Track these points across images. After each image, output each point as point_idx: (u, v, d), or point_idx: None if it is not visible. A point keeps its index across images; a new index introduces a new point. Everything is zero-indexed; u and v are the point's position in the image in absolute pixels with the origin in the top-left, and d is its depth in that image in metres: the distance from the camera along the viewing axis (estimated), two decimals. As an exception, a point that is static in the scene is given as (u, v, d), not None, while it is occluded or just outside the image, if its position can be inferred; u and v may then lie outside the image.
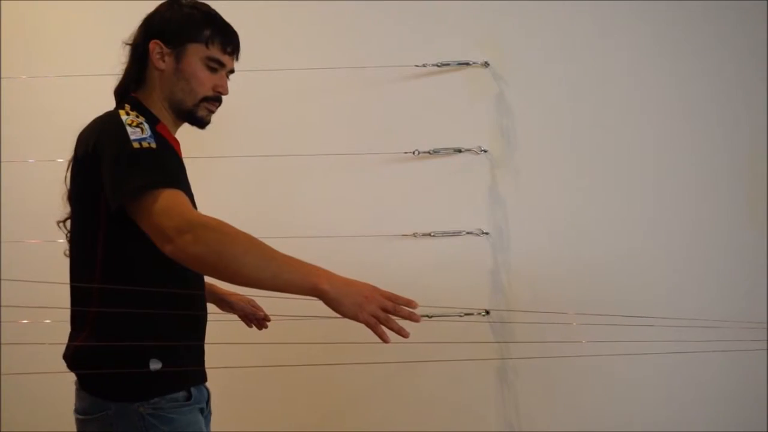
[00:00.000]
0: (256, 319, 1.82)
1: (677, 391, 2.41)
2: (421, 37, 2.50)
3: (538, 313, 2.15)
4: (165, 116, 1.54)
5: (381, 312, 1.27)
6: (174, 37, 1.51)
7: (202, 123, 1.58)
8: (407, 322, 1.30)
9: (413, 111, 2.50)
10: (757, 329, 2.10)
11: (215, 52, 1.53)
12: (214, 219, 1.30)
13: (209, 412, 1.61)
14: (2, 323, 2.12)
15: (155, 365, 1.41)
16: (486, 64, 2.47)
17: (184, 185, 1.40)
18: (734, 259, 2.42)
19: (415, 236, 2.45)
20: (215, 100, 1.57)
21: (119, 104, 1.53)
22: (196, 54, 1.51)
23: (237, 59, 1.61)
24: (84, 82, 2.37)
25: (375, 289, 1.29)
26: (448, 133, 2.47)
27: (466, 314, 2.36)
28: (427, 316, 2.34)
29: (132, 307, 1.38)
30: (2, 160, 2.49)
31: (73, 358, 1.44)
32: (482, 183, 2.48)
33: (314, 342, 2.19)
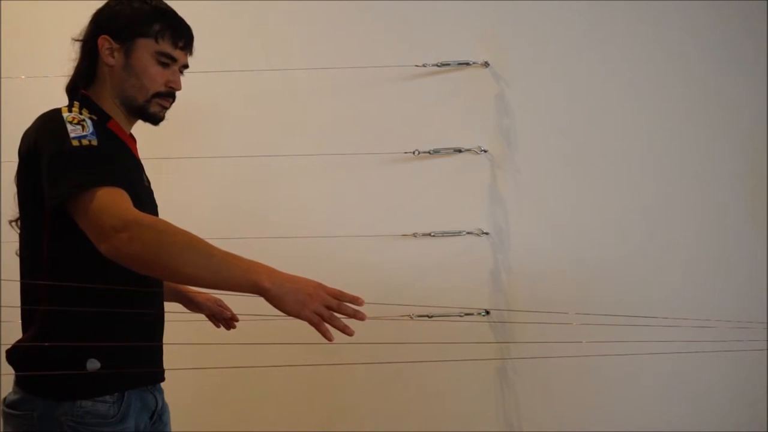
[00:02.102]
0: (223, 318, 1.79)
1: (677, 391, 2.41)
2: (421, 37, 2.50)
3: (538, 313, 2.15)
4: (117, 113, 1.51)
5: (325, 310, 1.24)
6: (123, 32, 1.48)
7: (155, 119, 1.55)
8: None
9: (413, 111, 2.50)
10: (757, 329, 2.10)
11: (165, 46, 1.50)
12: (152, 217, 1.29)
13: (162, 419, 1.57)
14: (2, 323, 2.11)
15: (93, 365, 1.37)
16: (486, 64, 2.47)
17: (128, 183, 1.36)
18: (734, 259, 2.42)
19: (415, 236, 2.44)
20: (168, 95, 1.53)
21: (70, 102, 1.50)
22: (145, 49, 1.49)
23: (191, 54, 1.57)
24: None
25: (320, 286, 1.26)
26: (448, 133, 2.47)
27: (466, 314, 2.36)
28: (427, 316, 2.34)
29: (79, 306, 1.36)
30: (2, 160, 2.49)
31: (11, 354, 1.42)
32: (482, 183, 2.48)
33: (314, 342, 2.19)
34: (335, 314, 1.25)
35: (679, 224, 2.44)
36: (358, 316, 1.27)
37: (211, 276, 1.24)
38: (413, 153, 2.45)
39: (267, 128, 2.51)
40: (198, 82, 2.43)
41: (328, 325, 1.25)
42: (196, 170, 2.47)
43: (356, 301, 1.27)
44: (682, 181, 2.45)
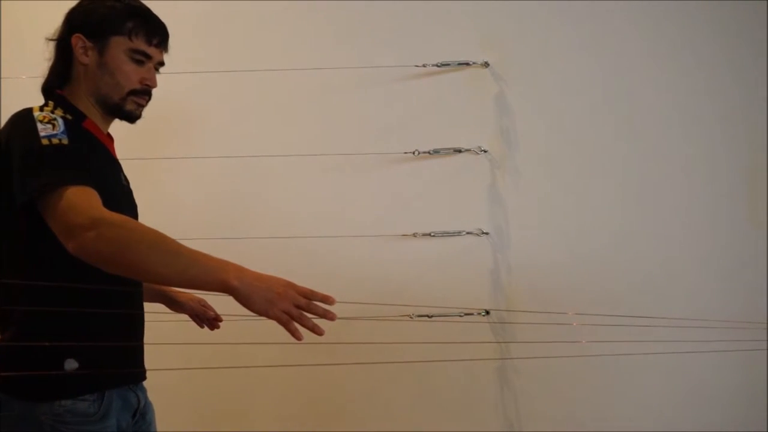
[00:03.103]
0: (207, 319, 1.78)
1: (677, 391, 2.41)
2: (421, 37, 2.50)
3: (538, 313, 2.15)
4: (93, 112, 1.50)
5: (294, 309, 1.23)
6: (96, 30, 1.47)
7: (131, 117, 1.53)
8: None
9: (413, 111, 2.50)
10: (757, 329, 2.10)
11: (140, 44, 1.49)
12: (120, 216, 1.28)
13: (145, 418, 1.56)
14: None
15: (71, 365, 1.36)
16: (486, 64, 2.47)
17: (101, 182, 1.35)
18: (734, 259, 2.42)
19: (415, 236, 2.44)
20: (144, 93, 1.52)
21: (45, 101, 1.49)
22: (119, 47, 1.48)
23: (166, 51, 1.56)
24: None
25: (290, 285, 1.25)
26: (448, 133, 2.47)
27: (466, 314, 2.36)
28: (427, 316, 2.34)
29: (55, 305, 1.35)
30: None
31: None
32: (482, 183, 2.48)
33: (314, 342, 2.19)
34: (305, 313, 1.24)
35: (680, 224, 2.44)
36: (329, 315, 1.25)
37: (179, 274, 1.24)
38: (413, 153, 2.45)
39: (267, 128, 2.51)
40: (199, 83, 2.45)
41: (298, 324, 1.24)
42: (198, 170, 2.47)
43: (327, 300, 1.25)
44: (682, 181, 2.45)
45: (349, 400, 2.46)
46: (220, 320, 1.78)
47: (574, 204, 2.46)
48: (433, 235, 2.44)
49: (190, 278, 1.24)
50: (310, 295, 1.25)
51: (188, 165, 2.44)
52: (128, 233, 1.25)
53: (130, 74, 1.49)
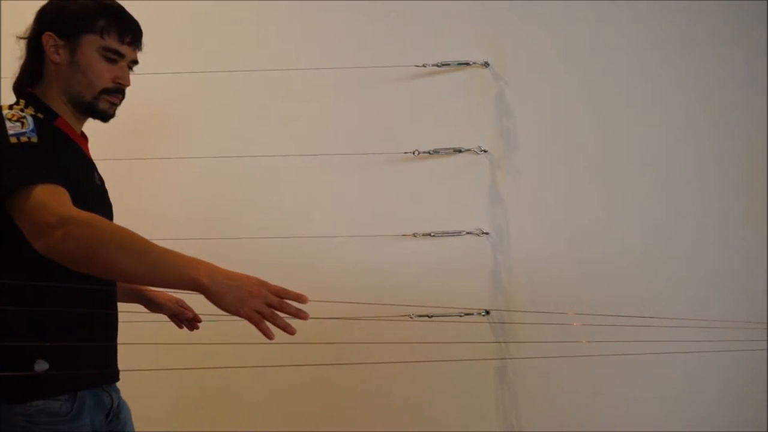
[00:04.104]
0: (185, 319, 1.76)
1: (677, 391, 2.41)
2: (421, 37, 2.50)
3: (538, 313, 2.15)
4: (65, 111, 1.48)
5: (265, 308, 1.22)
6: (67, 28, 1.46)
7: (104, 116, 1.51)
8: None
9: (413, 111, 2.50)
10: (757, 329, 2.10)
11: (112, 42, 1.47)
12: (88, 214, 1.26)
13: (119, 418, 1.54)
14: None
15: (41, 366, 1.34)
16: (486, 64, 2.47)
17: (72, 181, 1.34)
18: (734, 259, 2.42)
19: (415, 236, 2.44)
20: (116, 92, 1.50)
21: (17, 100, 1.48)
22: (91, 45, 1.46)
23: (140, 49, 1.55)
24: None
25: (262, 283, 1.24)
26: (448, 133, 2.47)
27: (466, 314, 2.36)
28: (427, 316, 2.34)
29: (26, 305, 1.33)
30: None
31: None
32: (482, 183, 2.47)
33: (314, 342, 2.19)
34: (277, 312, 1.23)
35: (679, 224, 2.44)
36: (301, 315, 1.24)
37: (148, 273, 1.23)
38: (413, 153, 2.45)
39: (267, 128, 2.51)
40: (200, 83, 2.45)
41: (270, 323, 1.23)
42: (198, 170, 2.47)
43: (299, 298, 1.24)
44: (682, 181, 2.45)
45: (349, 400, 2.46)
46: (199, 320, 1.76)
47: (575, 204, 2.46)
48: (433, 235, 2.44)
49: (159, 276, 1.23)
50: (282, 294, 1.24)
51: (188, 165, 2.44)
52: (96, 232, 1.23)
53: (103, 73, 1.48)
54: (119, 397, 1.56)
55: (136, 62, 1.55)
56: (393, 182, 2.48)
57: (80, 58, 1.46)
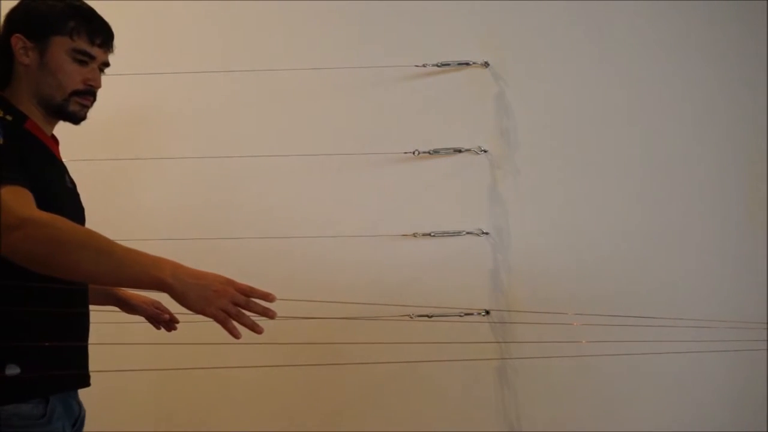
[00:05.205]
0: (163, 321, 1.74)
1: (677, 391, 2.41)
2: (421, 37, 2.50)
3: (538, 313, 2.15)
4: (35, 113, 1.47)
5: (232, 307, 1.21)
6: (36, 30, 1.45)
7: (75, 118, 1.50)
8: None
9: (413, 111, 2.50)
10: (757, 329, 2.10)
11: (82, 44, 1.46)
12: (49, 215, 1.24)
13: (82, 427, 1.52)
14: None
15: (12, 371, 1.32)
16: (486, 64, 2.47)
17: (41, 183, 1.33)
18: (734, 259, 2.42)
19: (415, 236, 2.44)
20: (87, 93, 1.49)
21: None
22: (60, 47, 1.45)
23: (111, 51, 1.54)
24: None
25: (229, 281, 1.23)
26: (448, 133, 2.47)
27: (466, 314, 2.36)
28: (427, 316, 2.34)
29: None
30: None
31: None
32: (482, 183, 2.47)
33: (314, 342, 2.19)
34: (244, 311, 1.22)
35: (679, 224, 2.44)
36: (269, 314, 1.23)
37: (111, 273, 1.22)
38: (413, 153, 2.45)
39: (267, 128, 2.51)
40: (201, 83, 2.45)
41: (237, 322, 1.22)
42: (198, 170, 2.47)
43: (267, 297, 1.23)
44: (682, 181, 2.45)
45: (349, 400, 2.46)
46: (177, 321, 1.73)
47: (575, 204, 2.46)
48: (433, 235, 2.44)
49: (123, 277, 1.22)
50: (249, 293, 1.23)
51: (189, 165, 2.44)
52: (56, 232, 1.22)
53: (73, 74, 1.47)
54: (82, 406, 1.53)
55: (107, 64, 1.54)
56: (393, 182, 2.48)
57: (50, 60, 1.45)
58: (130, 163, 2.40)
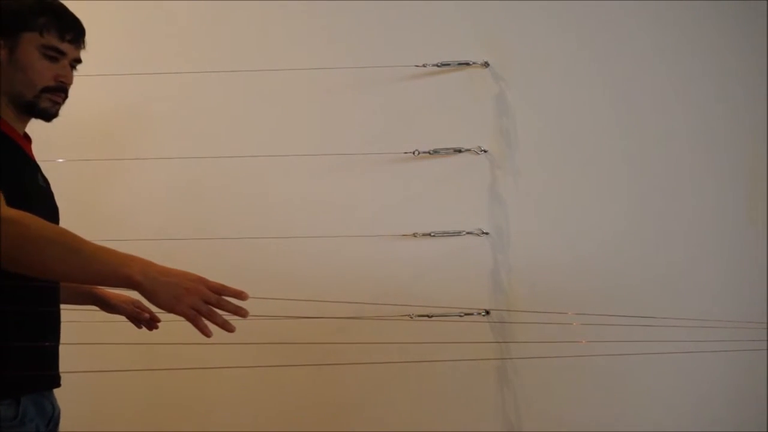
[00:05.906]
0: (143, 320, 1.73)
1: (677, 391, 2.41)
2: (421, 37, 2.50)
3: (538, 313, 2.15)
4: (6, 112, 1.46)
5: (202, 305, 1.20)
6: (6, 27, 1.44)
7: (46, 115, 1.49)
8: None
9: (413, 111, 2.50)
10: (757, 329, 2.10)
11: (52, 40, 1.46)
12: (18, 212, 1.23)
13: (57, 427, 1.50)
14: None
15: None
16: (486, 64, 2.47)
17: (10, 182, 1.32)
18: (734, 259, 2.42)
19: (415, 236, 2.44)
20: (59, 90, 1.49)
21: None
22: (30, 43, 1.44)
23: (83, 47, 1.53)
24: (83, 81, 2.36)
25: (200, 279, 1.22)
26: (448, 133, 2.47)
27: (466, 314, 2.36)
28: (427, 316, 2.34)
29: None
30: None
31: None
32: (482, 183, 2.47)
33: (314, 342, 2.19)
34: (215, 310, 1.21)
35: (679, 224, 2.44)
36: (240, 312, 1.22)
37: (80, 271, 1.21)
38: (413, 153, 2.45)
39: (267, 128, 2.51)
40: (201, 83, 2.45)
41: (208, 321, 1.21)
42: (199, 171, 2.47)
43: (239, 295, 1.22)
44: (682, 181, 2.45)
45: (349, 400, 2.46)
46: (158, 320, 1.73)
47: (575, 204, 2.46)
48: (433, 235, 2.44)
49: (92, 274, 1.21)
50: (220, 291, 1.22)
51: (189, 165, 2.44)
52: (24, 230, 1.20)
53: (43, 71, 1.46)
54: (57, 404, 1.52)
55: (78, 61, 1.53)
56: (393, 182, 2.48)
57: (20, 57, 1.45)
58: (130, 163, 2.40)
